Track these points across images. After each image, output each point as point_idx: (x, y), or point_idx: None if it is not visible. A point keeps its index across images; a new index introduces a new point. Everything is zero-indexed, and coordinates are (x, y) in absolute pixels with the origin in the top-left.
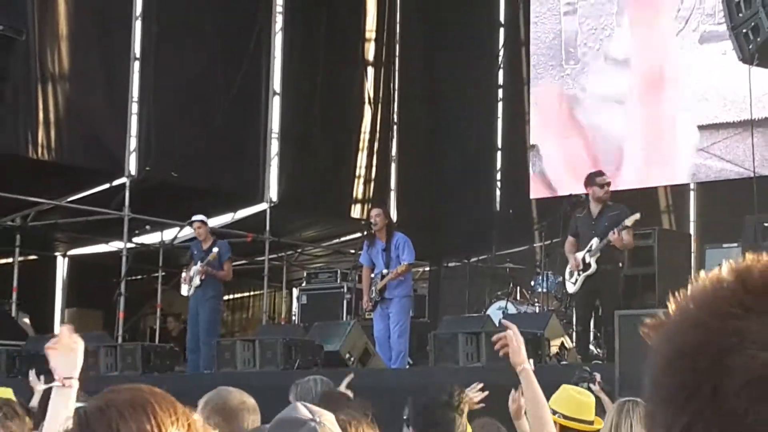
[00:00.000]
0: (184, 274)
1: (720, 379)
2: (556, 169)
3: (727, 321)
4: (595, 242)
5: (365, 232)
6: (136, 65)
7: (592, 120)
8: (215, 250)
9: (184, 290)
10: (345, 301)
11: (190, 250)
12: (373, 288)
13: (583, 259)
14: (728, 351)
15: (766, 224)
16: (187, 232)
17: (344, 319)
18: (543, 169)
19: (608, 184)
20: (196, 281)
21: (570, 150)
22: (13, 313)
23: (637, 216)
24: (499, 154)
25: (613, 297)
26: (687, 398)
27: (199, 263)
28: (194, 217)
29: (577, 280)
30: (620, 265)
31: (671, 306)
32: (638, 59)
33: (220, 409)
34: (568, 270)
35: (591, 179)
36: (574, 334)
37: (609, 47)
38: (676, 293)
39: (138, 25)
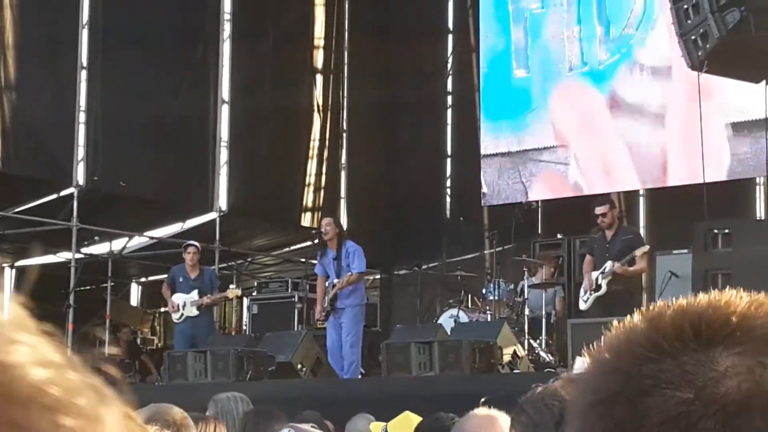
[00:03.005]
0: (170, 303)
1: (639, 422)
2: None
3: (642, 365)
4: (608, 265)
5: (316, 241)
6: (83, 74)
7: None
8: (232, 287)
9: (176, 316)
10: (296, 311)
11: (171, 275)
12: (326, 297)
13: (596, 280)
14: (644, 393)
15: (716, 231)
16: (136, 242)
17: (296, 328)
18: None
19: (603, 215)
20: (193, 311)
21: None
22: None
23: (646, 248)
24: (449, 161)
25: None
26: None
27: (195, 293)
28: (189, 242)
29: (588, 299)
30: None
31: (588, 358)
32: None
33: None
34: (582, 287)
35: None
36: (525, 342)
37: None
38: (590, 347)
39: (85, 34)
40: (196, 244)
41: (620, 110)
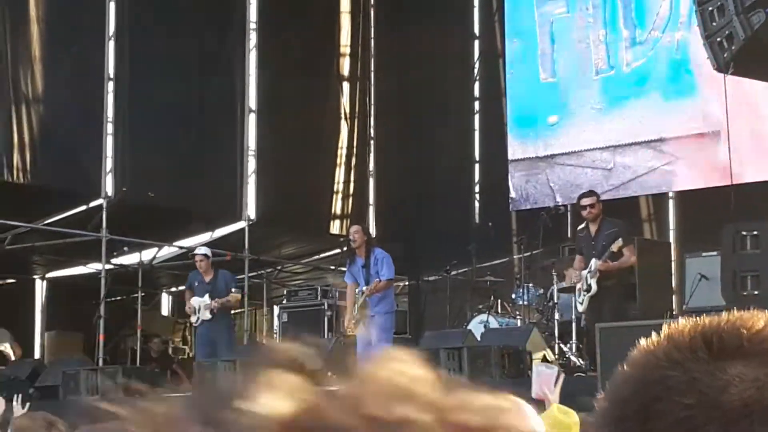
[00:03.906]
0: (187, 306)
1: (644, 423)
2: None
3: (653, 372)
4: (593, 263)
5: (344, 249)
6: (110, 86)
7: None
8: (234, 291)
9: (194, 321)
10: (326, 319)
11: (189, 280)
12: (356, 306)
13: (585, 279)
14: (654, 399)
15: (744, 232)
16: (166, 252)
17: (325, 336)
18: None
19: (591, 206)
20: (207, 315)
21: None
22: None
23: (620, 242)
24: (477, 166)
25: (614, 313)
26: None
27: (207, 296)
28: (197, 250)
29: (583, 300)
30: (623, 281)
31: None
32: None
33: None
34: (577, 289)
35: (578, 199)
36: (556, 346)
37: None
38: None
39: (111, 46)
40: (205, 251)
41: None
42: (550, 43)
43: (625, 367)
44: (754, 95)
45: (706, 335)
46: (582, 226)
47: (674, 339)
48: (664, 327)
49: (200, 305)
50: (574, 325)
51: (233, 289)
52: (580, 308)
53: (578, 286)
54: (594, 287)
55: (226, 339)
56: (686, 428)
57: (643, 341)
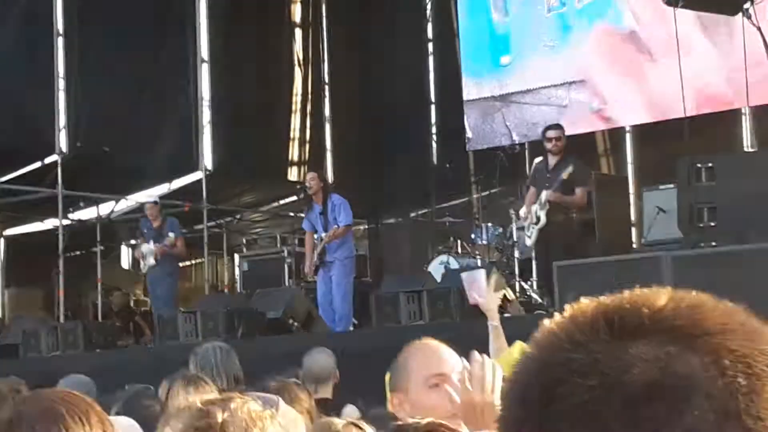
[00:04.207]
0: (135, 252)
1: (547, 406)
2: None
3: (556, 354)
4: (544, 195)
5: (301, 196)
6: (60, 40)
7: None
8: (171, 234)
9: (142, 264)
10: (286, 266)
11: (140, 227)
12: (315, 252)
13: (535, 212)
14: (556, 381)
15: (699, 165)
16: (123, 205)
17: (287, 284)
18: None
19: (557, 138)
20: (151, 261)
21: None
22: None
23: (570, 170)
24: (432, 108)
25: (564, 247)
26: (519, 427)
27: (152, 242)
28: (146, 200)
29: (532, 233)
30: (572, 215)
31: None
32: None
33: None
34: (525, 223)
35: (543, 132)
36: (516, 284)
37: None
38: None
39: (59, 1)
40: (154, 199)
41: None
42: None
43: (529, 348)
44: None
45: (608, 315)
46: (540, 159)
47: (577, 320)
48: (567, 307)
49: (146, 252)
50: (534, 263)
51: (170, 233)
52: (529, 242)
53: (528, 219)
54: (543, 219)
55: (164, 288)
56: (589, 410)
57: (546, 322)
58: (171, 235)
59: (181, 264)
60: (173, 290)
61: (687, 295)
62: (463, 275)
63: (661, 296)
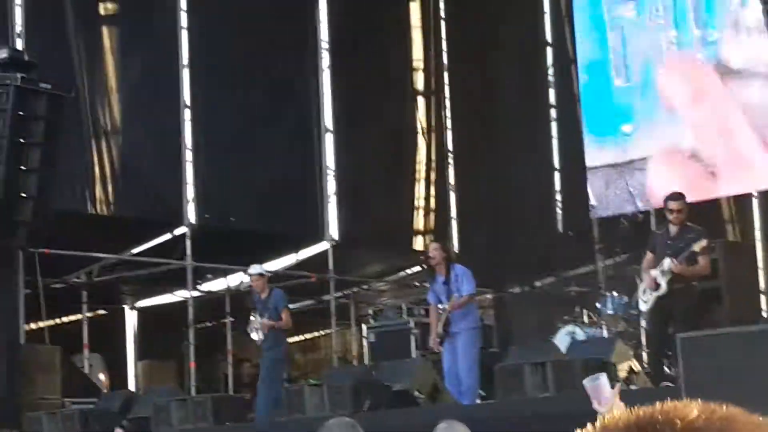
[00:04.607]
0: (248, 326)
1: None
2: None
3: None
4: (666, 263)
5: (425, 267)
6: (187, 113)
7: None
8: (281, 310)
9: (255, 336)
10: (413, 337)
11: (252, 298)
12: (439, 323)
13: (655, 278)
14: None
15: None
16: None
17: (413, 355)
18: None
19: (679, 210)
20: (260, 335)
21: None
22: (86, 370)
23: (704, 243)
24: (557, 174)
25: (685, 317)
26: None
27: (258, 317)
28: (250, 270)
29: (649, 299)
30: (693, 283)
31: None
32: None
33: None
34: (641, 287)
35: (665, 201)
36: (643, 355)
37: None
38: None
39: (186, 74)
40: (258, 270)
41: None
42: (622, 46)
43: None
44: None
45: (641, 425)
46: (660, 227)
47: (609, 430)
48: (599, 419)
49: (256, 326)
50: (645, 329)
51: (281, 308)
52: (644, 307)
53: (644, 285)
54: (664, 287)
55: (266, 360)
56: None
57: None
58: (281, 310)
59: (310, 335)
60: (276, 363)
61: (718, 408)
62: (586, 383)
63: (692, 409)
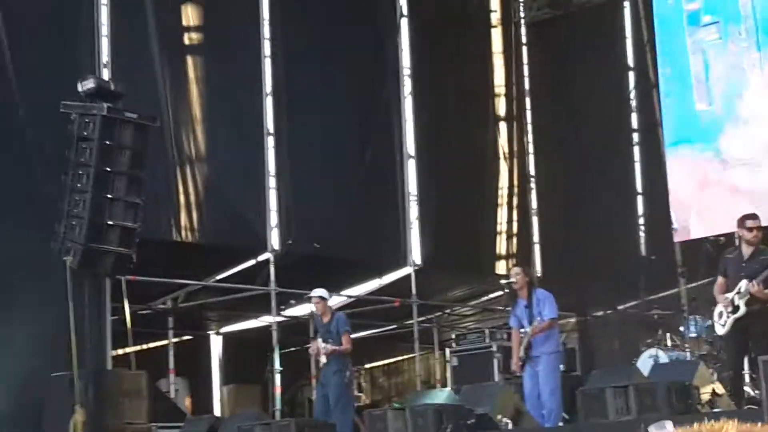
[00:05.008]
0: (311, 349)
1: None
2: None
3: None
4: (743, 285)
5: (507, 291)
6: (270, 141)
7: None
8: (343, 333)
9: (320, 365)
10: (495, 361)
11: (314, 321)
12: (521, 347)
13: (732, 301)
14: None
15: None
16: (335, 301)
17: (496, 378)
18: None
19: (758, 228)
20: (323, 359)
21: None
22: (172, 395)
23: None
24: (639, 198)
25: (764, 338)
26: None
27: (320, 340)
28: (312, 293)
29: (726, 322)
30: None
31: None
32: None
33: None
34: (716, 311)
35: (742, 221)
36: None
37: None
38: None
39: (269, 102)
40: (320, 293)
41: None
42: (704, 70)
43: None
44: None
45: None
46: (731, 250)
47: None
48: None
49: (318, 350)
50: (724, 352)
51: (342, 332)
52: (721, 331)
53: (720, 307)
54: (743, 309)
55: (333, 386)
56: None
57: None
58: (343, 333)
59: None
60: (343, 388)
61: (754, 427)
62: (651, 429)
63: (730, 428)
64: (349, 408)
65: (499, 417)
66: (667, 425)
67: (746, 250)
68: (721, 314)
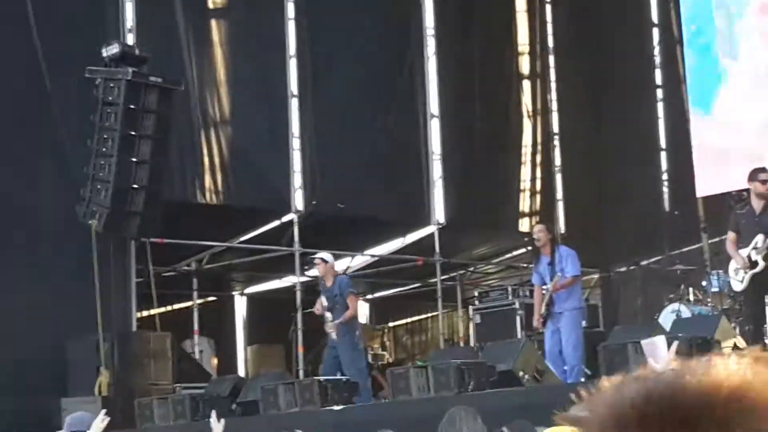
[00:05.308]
0: (316, 307)
1: None
2: None
3: None
4: (760, 239)
5: (530, 248)
6: (294, 102)
7: None
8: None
9: (333, 335)
10: (518, 318)
11: (320, 286)
12: (543, 304)
13: (749, 257)
14: None
15: None
16: (359, 261)
17: (519, 335)
18: None
19: None
20: (333, 335)
21: None
22: (196, 355)
23: None
24: (663, 154)
25: None
26: None
27: (329, 317)
28: (316, 255)
29: (744, 278)
30: None
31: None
32: None
33: None
34: (732, 268)
35: (754, 174)
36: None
37: None
38: None
39: (293, 64)
40: (321, 256)
41: None
42: (729, 25)
43: None
44: None
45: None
46: (742, 205)
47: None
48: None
49: (327, 321)
50: (744, 307)
51: (346, 294)
52: (738, 287)
53: (734, 264)
54: (761, 263)
55: (344, 349)
56: None
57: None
58: (348, 295)
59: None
60: (353, 350)
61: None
62: (643, 343)
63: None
64: (363, 370)
65: (521, 373)
66: (657, 341)
67: (757, 205)
68: (737, 271)
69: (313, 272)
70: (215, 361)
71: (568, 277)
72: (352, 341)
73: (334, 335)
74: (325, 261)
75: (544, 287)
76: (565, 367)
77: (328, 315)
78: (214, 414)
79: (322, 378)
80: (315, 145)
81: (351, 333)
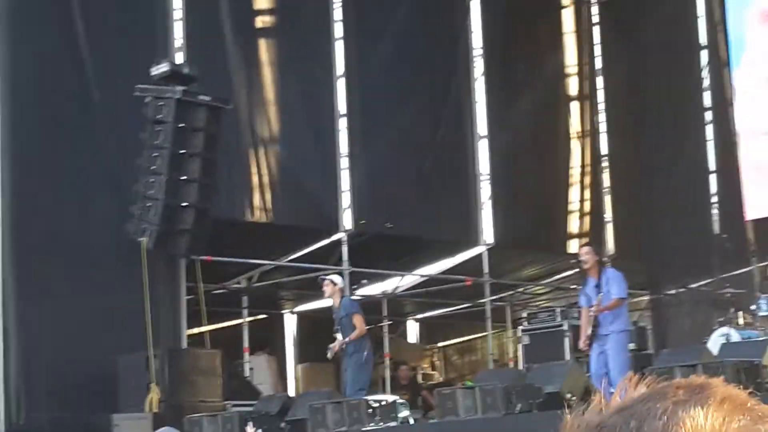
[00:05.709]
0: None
1: None
2: None
3: None
4: None
5: (577, 270)
6: (343, 122)
7: None
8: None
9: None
10: (566, 340)
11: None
12: (589, 326)
13: None
14: None
15: None
16: (409, 280)
17: (567, 357)
18: None
19: None
20: (329, 354)
21: None
22: (246, 374)
23: None
24: (712, 177)
25: None
26: None
27: (339, 335)
28: (326, 277)
29: None
30: None
31: None
32: None
33: None
34: None
35: None
36: None
37: None
38: None
39: (341, 84)
40: (330, 278)
41: None
42: None
43: None
44: None
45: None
46: None
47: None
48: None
49: (336, 343)
50: None
51: (352, 314)
52: None
53: None
54: None
55: (350, 367)
56: None
57: None
58: (354, 317)
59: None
60: (359, 369)
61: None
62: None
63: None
64: (362, 392)
65: (568, 395)
66: None
67: None
68: None
69: (373, 290)
70: (271, 376)
71: (613, 298)
72: (359, 361)
73: (330, 354)
74: (334, 283)
75: (590, 309)
76: (612, 390)
77: (338, 336)
78: (250, 425)
79: (370, 398)
80: (363, 165)
81: (359, 352)
